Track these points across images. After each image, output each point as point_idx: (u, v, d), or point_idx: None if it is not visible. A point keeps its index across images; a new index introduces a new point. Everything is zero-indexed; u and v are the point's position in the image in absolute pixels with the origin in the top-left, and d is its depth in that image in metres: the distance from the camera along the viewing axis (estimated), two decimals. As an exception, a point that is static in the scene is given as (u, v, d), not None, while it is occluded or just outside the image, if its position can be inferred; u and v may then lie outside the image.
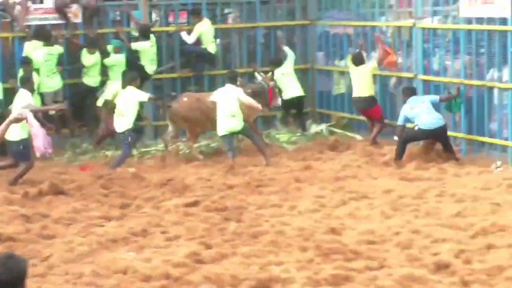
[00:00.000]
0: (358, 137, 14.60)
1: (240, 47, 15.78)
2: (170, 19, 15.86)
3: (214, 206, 10.35)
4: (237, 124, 12.66)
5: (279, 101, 14.35)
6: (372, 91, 14.03)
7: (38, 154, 9.66)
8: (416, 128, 12.47)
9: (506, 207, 9.94)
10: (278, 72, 14.73)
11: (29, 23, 14.02)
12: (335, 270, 7.94)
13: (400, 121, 12.64)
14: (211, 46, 14.80)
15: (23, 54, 13.68)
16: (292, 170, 12.21)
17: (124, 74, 13.11)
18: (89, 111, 14.35)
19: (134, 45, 14.25)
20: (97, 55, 13.96)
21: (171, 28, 15.46)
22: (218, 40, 15.88)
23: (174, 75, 15.15)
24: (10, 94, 13.16)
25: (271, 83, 14.18)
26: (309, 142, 14.29)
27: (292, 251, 8.58)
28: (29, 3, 14.01)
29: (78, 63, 14.04)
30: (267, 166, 12.45)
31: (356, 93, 14.10)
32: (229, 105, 12.65)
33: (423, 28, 13.74)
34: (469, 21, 12.90)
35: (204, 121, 13.40)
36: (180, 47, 15.10)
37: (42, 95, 13.55)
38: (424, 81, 13.71)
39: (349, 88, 15.44)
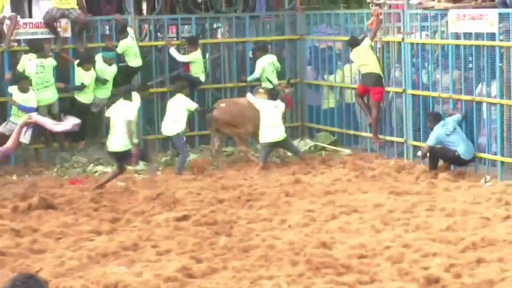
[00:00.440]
0: (347, 151, 14.66)
1: (229, 61, 15.82)
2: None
3: (204, 220, 10.35)
4: (280, 133, 13.52)
5: None
6: (379, 68, 14.10)
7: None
8: (456, 154, 12.42)
9: (495, 221, 10.00)
10: None
11: (18, 38, 14.02)
12: (326, 284, 7.97)
13: (430, 142, 12.51)
14: (202, 76, 14.87)
15: (18, 68, 13.66)
16: (282, 184, 12.23)
17: (116, 84, 13.48)
18: (86, 126, 14.34)
19: (188, 57, 14.68)
20: (92, 72, 13.96)
21: (160, 43, 15.50)
22: (207, 55, 15.95)
23: (164, 89, 15.14)
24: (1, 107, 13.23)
25: (287, 90, 14.43)
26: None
27: (283, 265, 8.59)
28: (18, 18, 14.01)
29: (80, 84, 13.97)
30: (312, 169, 13.11)
31: (364, 70, 14.16)
32: (272, 115, 13.45)
33: (412, 43, 13.83)
34: (457, 36, 12.99)
35: (246, 123, 13.87)
36: (173, 70, 15.16)
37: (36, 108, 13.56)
38: (413, 95, 13.78)
39: (338, 103, 15.54)
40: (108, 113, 12.71)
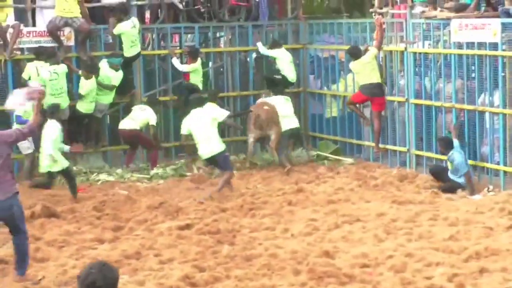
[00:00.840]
0: (350, 160, 14.66)
1: (232, 70, 15.85)
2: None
3: (207, 229, 10.34)
4: (296, 122, 14.71)
5: None
6: (379, 78, 14.12)
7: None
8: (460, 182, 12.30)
9: (498, 231, 9.99)
10: None
11: (21, 46, 14.05)
12: (329, 293, 7.96)
13: (465, 169, 12.19)
14: (200, 85, 14.86)
15: (23, 75, 13.68)
16: (285, 193, 12.23)
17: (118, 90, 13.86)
18: (88, 133, 14.36)
19: (189, 67, 14.76)
20: (93, 81, 13.98)
21: (163, 51, 15.52)
22: (210, 64, 15.97)
23: (167, 98, 15.15)
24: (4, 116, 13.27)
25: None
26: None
27: (285, 274, 8.58)
28: (22, 26, 14.04)
29: (79, 94, 14.01)
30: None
31: (363, 81, 14.16)
32: (286, 107, 14.52)
33: (415, 53, 13.84)
34: (460, 46, 13.00)
35: (280, 121, 14.32)
36: (176, 79, 15.18)
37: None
38: (416, 105, 13.78)
39: (341, 112, 15.55)
40: (185, 129, 12.33)
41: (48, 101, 13.50)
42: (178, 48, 15.91)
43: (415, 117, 13.75)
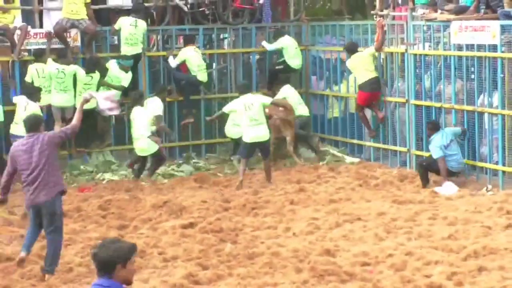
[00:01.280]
0: (355, 159, 14.66)
1: (236, 71, 15.84)
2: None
3: (210, 228, 10.35)
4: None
5: None
6: (376, 72, 14.14)
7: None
8: (448, 167, 12.36)
9: (497, 230, 9.98)
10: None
11: (28, 47, 14.06)
12: (329, 291, 7.96)
13: (438, 154, 12.31)
14: (200, 74, 14.68)
15: (26, 78, 13.71)
16: (287, 192, 12.23)
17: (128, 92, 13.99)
18: (91, 132, 14.36)
19: (178, 58, 14.58)
20: (95, 76, 13.99)
21: (166, 53, 15.53)
22: (214, 65, 15.96)
23: (168, 99, 15.14)
24: (9, 116, 13.27)
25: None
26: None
27: (287, 272, 8.59)
28: (29, 28, 14.06)
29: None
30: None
31: (361, 79, 14.18)
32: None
33: (415, 54, 13.84)
34: (460, 47, 12.99)
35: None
36: (171, 73, 15.14)
37: (50, 108, 13.60)
38: (416, 105, 13.78)
39: (343, 113, 15.55)
40: (230, 107, 13.13)
41: (53, 97, 13.57)
42: (179, 50, 15.89)
43: (415, 118, 13.74)
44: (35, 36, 14.16)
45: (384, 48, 14.28)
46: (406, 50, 13.98)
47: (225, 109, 13.39)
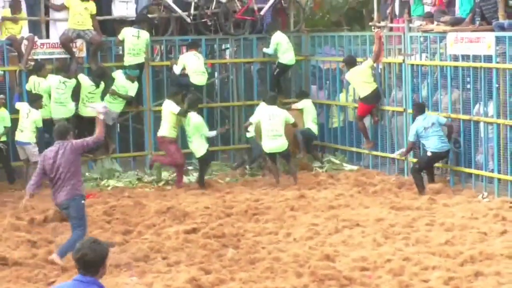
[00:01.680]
0: (353, 167, 14.68)
1: (237, 80, 15.88)
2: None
3: (212, 233, 10.36)
4: None
5: None
6: (375, 84, 14.21)
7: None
8: (429, 153, 12.54)
9: (492, 236, 10.00)
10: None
11: (35, 57, 14.09)
12: (329, 295, 7.96)
13: (411, 138, 12.68)
14: (194, 77, 14.52)
15: (26, 87, 13.74)
16: (288, 199, 12.24)
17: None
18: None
19: (180, 63, 14.47)
20: (100, 86, 14.00)
21: (169, 63, 15.55)
22: (216, 74, 15.98)
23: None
24: (15, 122, 13.34)
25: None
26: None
27: (288, 277, 8.59)
28: (36, 38, 14.09)
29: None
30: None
31: (363, 93, 14.23)
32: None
33: (412, 65, 13.87)
34: (455, 58, 13.03)
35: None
36: (176, 81, 15.14)
37: (52, 120, 13.61)
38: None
39: (342, 122, 15.57)
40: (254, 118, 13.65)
41: (53, 109, 13.59)
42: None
43: (413, 126, 13.76)
44: (41, 46, 14.20)
45: (383, 59, 14.31)
46: (404, 60, 14.01)
47: (252, 120, 13.84)
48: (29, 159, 13.32)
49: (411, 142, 12.73)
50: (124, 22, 14.86)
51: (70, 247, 8.97)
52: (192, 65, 14.56)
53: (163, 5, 15.23)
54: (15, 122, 13.43)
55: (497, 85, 12.20)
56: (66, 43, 14.19)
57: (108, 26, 15.10)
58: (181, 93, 14.00)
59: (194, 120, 13.39)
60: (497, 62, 12.20)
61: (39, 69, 13.76)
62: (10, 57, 14.12)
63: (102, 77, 14.06)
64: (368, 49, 14.79)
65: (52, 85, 13.68)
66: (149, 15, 15.20)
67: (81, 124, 14.11)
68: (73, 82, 13.82)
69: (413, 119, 12.92)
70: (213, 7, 15.52)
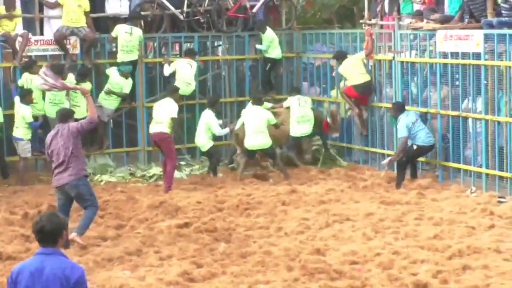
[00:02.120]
0: (343, 163, 14.68)
1: (229, 77, 15.85)
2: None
3: (204, 228, 10.33)
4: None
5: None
6: (368, 76, 14.20)
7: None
8: (414, 146, 12.57)
9: (480, 230, 10.01)
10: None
11: (29, 54, 14.03)
12: (319, 288, 7.95)
13: (404, 133, 12.58)
14: (181, 84, 14.11)
15: (19, 83, 13.66)
16: (279, 193, 12.22)
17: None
18: (94, 136, 14.33)
19: (171, 68, 14.39)
20: (85, 86, 13.88)
21: (162, 60, 15.51)
22: (209, 73, 15.93)
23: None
24: (9, 118, 13.28)
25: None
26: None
27: (279, 270, 8.58)
28: (30, 35, 14.03)
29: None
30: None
31: (355, 81, 14.21)
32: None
33: (402, 62, 13.86)
34: (445, 55, 13.02)
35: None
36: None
37: (47, 119, 13.54)
38: (403, 111, 13.77)
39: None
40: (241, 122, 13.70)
41: (47, 108, 13.52)
42: (178, 56, 15.90)
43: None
44: (35, 43, 14.13)
45: (374, 56, 14.30)
46: (394, 57, 14.00)
47: (238, 125, 14.03)
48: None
49: (404, 137, 12.59)
50: (117, 19, 14.80)
51: (87, 225, 9.58)
52: (183, 73, 14.48)
53: (156, 2, 15.18)
54: (12, 118, 13.37)
55: (485, 82, 12.21)
56: (60, 40, 14.13)
57: (102, 24, 15.04)
58: (179, 89, 13.80)
59: (208, 120, 13.68)
60: (486, 59, 12.20)
61: (30, 66, 13.65)
62: (4, 53, 14.06)
63: (85, 76, 13.95)
64: (359, 46, 14.77)
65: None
66: (142, 13, 15.15)
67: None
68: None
69: (395, 119, 12.87)
70: (206, 5, 15.49)
